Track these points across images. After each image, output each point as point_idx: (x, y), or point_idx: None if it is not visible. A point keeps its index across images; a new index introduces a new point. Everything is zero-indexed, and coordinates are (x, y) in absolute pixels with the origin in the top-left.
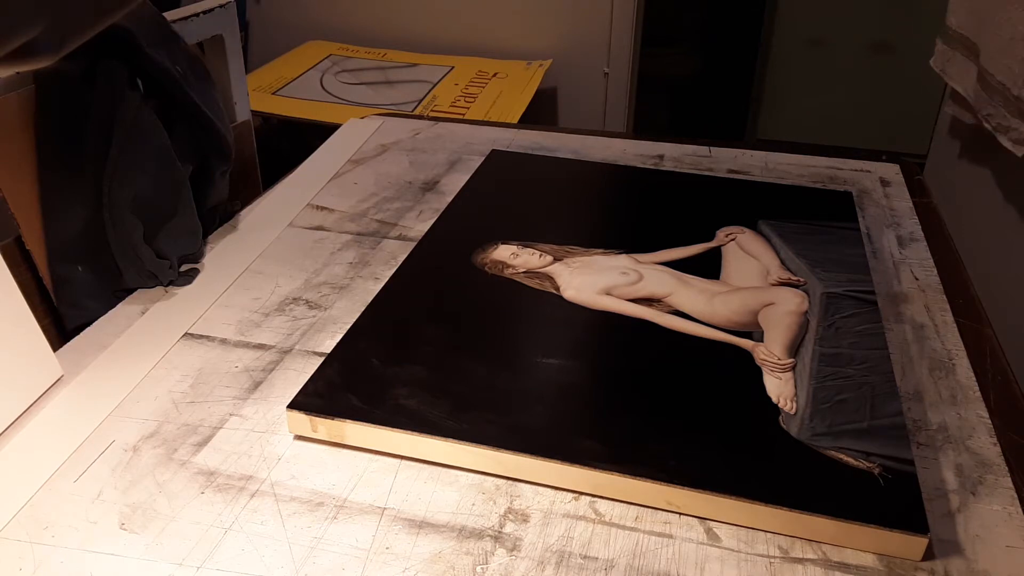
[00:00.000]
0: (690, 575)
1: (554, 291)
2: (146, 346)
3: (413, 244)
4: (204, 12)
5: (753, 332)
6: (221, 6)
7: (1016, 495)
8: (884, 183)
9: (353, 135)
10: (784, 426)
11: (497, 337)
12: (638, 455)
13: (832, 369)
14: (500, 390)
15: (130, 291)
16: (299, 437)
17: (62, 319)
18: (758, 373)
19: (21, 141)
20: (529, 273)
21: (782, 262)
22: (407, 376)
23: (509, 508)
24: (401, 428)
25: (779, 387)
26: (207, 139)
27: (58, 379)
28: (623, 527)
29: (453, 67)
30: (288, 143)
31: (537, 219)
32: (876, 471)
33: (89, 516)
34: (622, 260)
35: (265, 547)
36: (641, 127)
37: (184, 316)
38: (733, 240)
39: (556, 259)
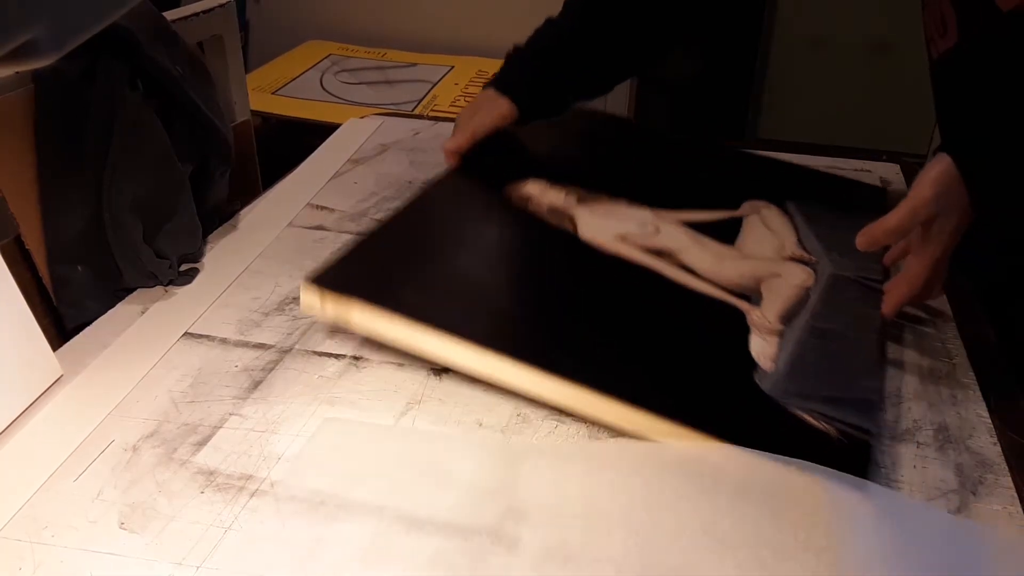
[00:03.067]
0: (690, 575)
1: (572, 230)
2: (146, 346)
3: None
4: (204, 12)
5: (752, 296)
6: (221, 6)
7: (1016, 495)
8: (884, 183)
9: (353, 135)
10: (757, 381)
11: (507, 259)
12: (601, 371)
13: (820, 342)
14: (499, 304)
15: (130, 291)
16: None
17: (62, 319)
18: (748, 333)
19: (21, 141)
20: (552, 210)
21: (799, 241)
22: (418, 279)
23: (509, 507)
24: (402, 315)
25: (763, 347)
26: (207, 139)
27: (58, 379)
28: (623, 527)
29: (453, 67)
30: (288, 143)
31: (571, 166)
32: (833, 433)
33: (89, 516)
34: (643, 212)
35: (265, 547)
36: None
37: (184, 316)
38: (757, 213)
39: (580, 201)
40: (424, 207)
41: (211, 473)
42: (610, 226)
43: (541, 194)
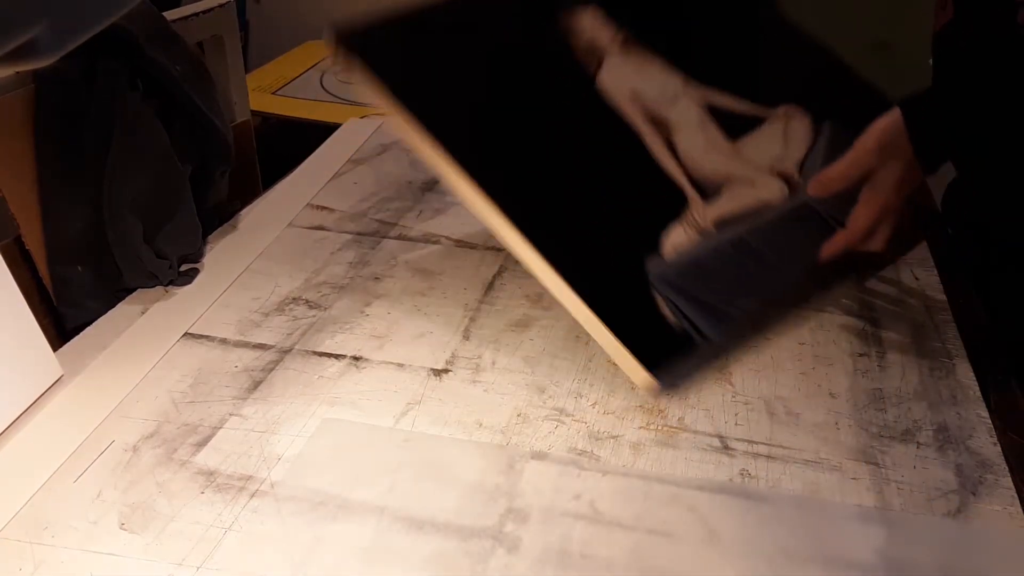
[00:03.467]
0: (690, 574)
1: (594, 72)
2: (146, 346)
3: (413, 244)
4: (204, 12)
5: (710, 191)
6: (221, 6)
7: (1016, 495)
8: None
9: (353, 135)
10: (646, 261)
11: (511, 78)
12: (517, 198)
13: (735, 255)
14: (476, 113)
15: (130, 291)
16: (303, 437)
17: (62, 319)
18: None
19: (21, 141)
20: (587, 47)
21: (802, 160)
22: (421, 63)
23: (509, 508)
24: (388, 92)
25: (678, 236)
26: (207, 139)
27: (58, 379)
28: (623, 527)
29: None
30: (288, 143)
31: (635, 6)
32: (674, 324)
33: (89, 516)
34: (675, 81)
35: (265, 547)
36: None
37: (184, 316)
38: (785, 119)
39: (622, 45)
40: (471, 4)
41: (211, 473)
42: (631, 81)
43: (590, 26)
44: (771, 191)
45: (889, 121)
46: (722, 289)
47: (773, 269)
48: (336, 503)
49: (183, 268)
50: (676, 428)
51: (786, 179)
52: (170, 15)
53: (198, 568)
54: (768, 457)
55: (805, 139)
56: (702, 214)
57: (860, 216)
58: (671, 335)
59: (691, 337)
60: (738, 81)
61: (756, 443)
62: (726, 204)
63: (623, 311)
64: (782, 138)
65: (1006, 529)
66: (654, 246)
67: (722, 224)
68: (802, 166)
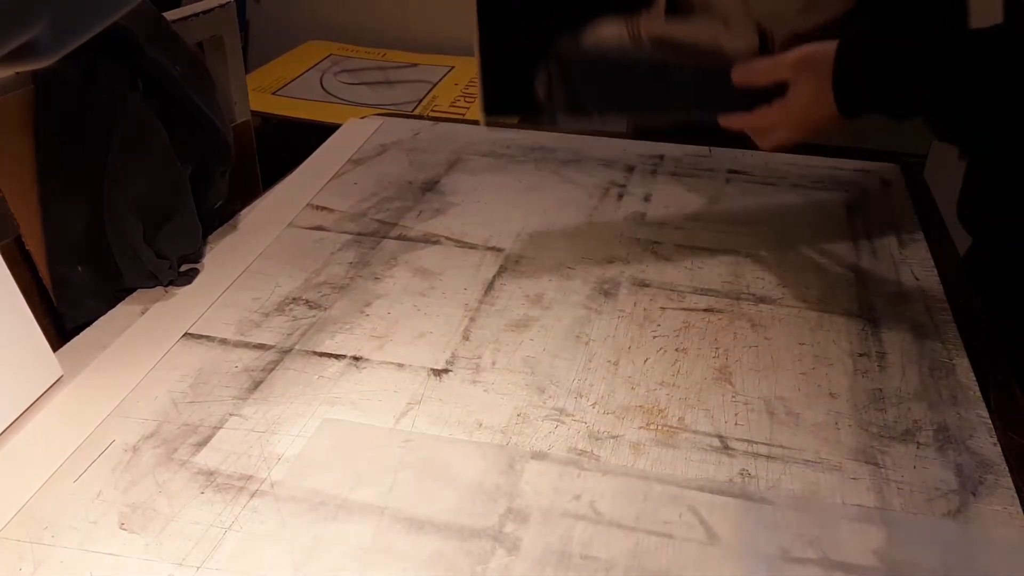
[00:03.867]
0: (690, 575)
1: None
2: (146, 346)
3: (413, 244)
4: (204, 12)
5: (685, 13)
6: (221, 6)
7: (1016, 495)
8: (884, 183)
9: (353, 135)
10: (561, 40)
11: None
12: None
13: (647, 80)
14: None
15: (130, 291)
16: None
17: (62, 319)
18: (624, 13)
19: (21, 141)
20: None
21: (801, 35)
22: None
23: (509, 508)
24: None
25: (609, 31)
26: (207, 139)
27: (58, 379)
28: (623, 527)
29: (453, 67)
30: (288, 143)
31: None
32: (538, 95)
33: (89, 516)
34: None
35: (265, 547)
36: (641, 127)
37: (184, 316)
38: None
39: None
40: None
41: (211, 473)
42: None
43: None
44: (737, 44)
45: (820, 47)
46: (608, 96)
47: (670, 108)
48: (336, 503)
49: (183, 268)
50: (676, 428)
51: (765, 40)
52: (170, 15)
53: (198, 568)
54: (768, 457)
55: (828, 14)
56: (652, 25)
57: (762, 113)
58: (527, 99)
59: (539, 111)
60: None
61: (756, 443)
62: (683, 29)
63: (506, 59)
64: (806, 1)
65: (1006, 529)
66: (580, 27)
67: (661, 44)
68: (797, 38)
